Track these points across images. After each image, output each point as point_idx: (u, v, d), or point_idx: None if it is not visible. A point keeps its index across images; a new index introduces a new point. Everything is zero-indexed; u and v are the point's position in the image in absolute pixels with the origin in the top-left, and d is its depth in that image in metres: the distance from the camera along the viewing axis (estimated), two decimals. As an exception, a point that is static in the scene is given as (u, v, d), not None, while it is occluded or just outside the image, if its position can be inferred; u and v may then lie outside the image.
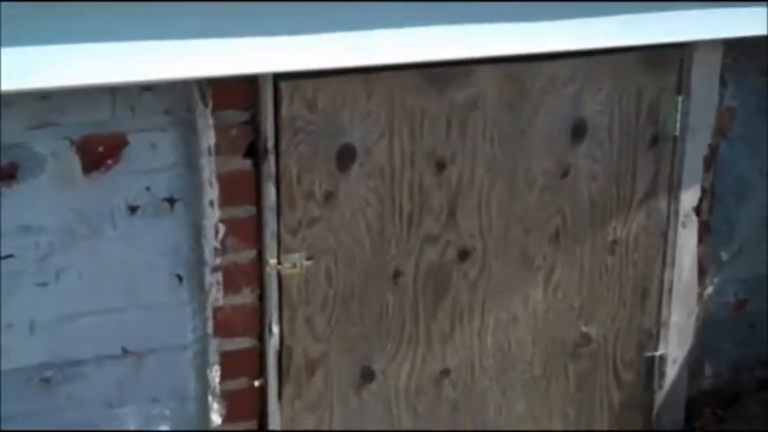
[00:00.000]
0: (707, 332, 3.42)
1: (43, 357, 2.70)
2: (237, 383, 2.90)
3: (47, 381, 2.71)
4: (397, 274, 2.98)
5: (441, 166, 2.93)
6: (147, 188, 2.68)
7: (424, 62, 2.78)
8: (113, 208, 2.66)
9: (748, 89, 3.25)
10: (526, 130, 2.99)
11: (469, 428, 3.18)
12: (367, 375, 3.03)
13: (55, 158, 2.58)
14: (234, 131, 2.72)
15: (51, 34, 2.35)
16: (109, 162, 2.62)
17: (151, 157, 2.66)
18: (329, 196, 2.84)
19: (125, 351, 2.77)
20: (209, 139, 2.68)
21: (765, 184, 3.37)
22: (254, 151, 2.75)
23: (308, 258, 2.86)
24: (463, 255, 3.03)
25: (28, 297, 2.64)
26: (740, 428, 3.41)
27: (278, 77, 2.69)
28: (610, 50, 2.97)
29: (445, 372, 3.11)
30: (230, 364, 2.87)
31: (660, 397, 3.38)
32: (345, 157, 2.82)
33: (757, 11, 2.99)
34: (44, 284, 2.65)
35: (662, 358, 3.35)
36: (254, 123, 2.73)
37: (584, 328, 3.23)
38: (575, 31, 2.84)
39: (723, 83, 3.20)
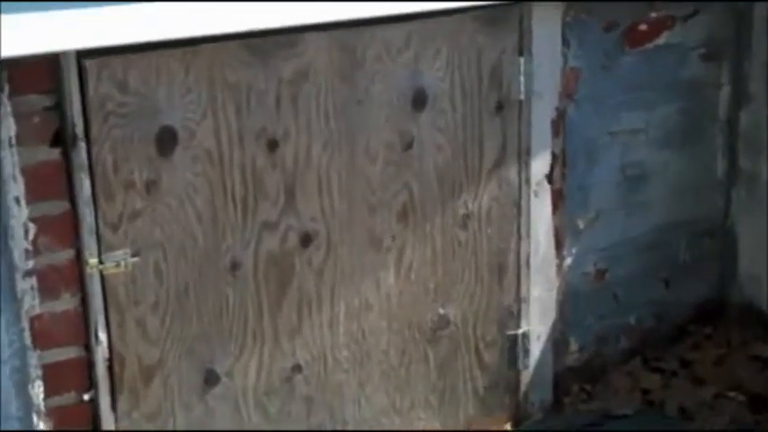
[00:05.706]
0: (569, 305, 3.31)
1: None
2: (65, 399, 2.65)
3: None
4: (234, 266, 2.76)
5: (273, 145, 2.73)
6: (-60, 186, 2.40)
7: (245, 32, 2.57)
8: None
9: (592, 47, 3.14)
10: (363, 102, 2.81)
11: (327, 425, 2.98)
12: (210, 378, 2.80)
13: None
14: (37, 119, 2.46)
15: None
16: None
17: (-58, 151, 2.38)
18: (151, 185, 2.60)
19: (-70, 373, 2.49)
20: (8, 128, 2.42)
21: (616, 146, 3.27)
22: (62, 140, 2.50)
23: (134, 255, 2.62)
24: (306, 240, 2.83)
25: None
26: (608, 402, 3.31)
27: (82, 55, 2.45)
28: (445, 12, 2.82)
29: (296, 368, 2.91)
30: (55, 378, 2.62)
31: (526, 376, 3.25)
32: (166, 140, 2.59)
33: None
34: None
35: (525, 336, 3.21)
36: (59, 108, 2.48)
37: (441, 310, 3.08)
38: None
39: (565, 42, 3.08)
